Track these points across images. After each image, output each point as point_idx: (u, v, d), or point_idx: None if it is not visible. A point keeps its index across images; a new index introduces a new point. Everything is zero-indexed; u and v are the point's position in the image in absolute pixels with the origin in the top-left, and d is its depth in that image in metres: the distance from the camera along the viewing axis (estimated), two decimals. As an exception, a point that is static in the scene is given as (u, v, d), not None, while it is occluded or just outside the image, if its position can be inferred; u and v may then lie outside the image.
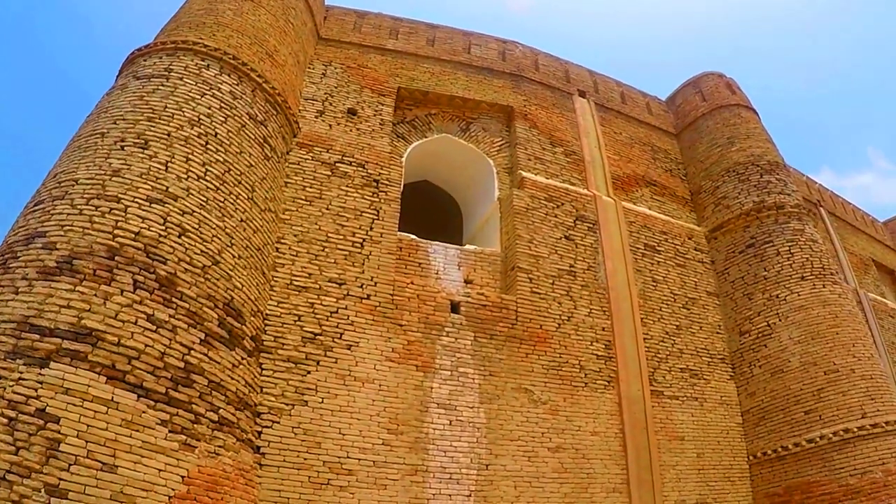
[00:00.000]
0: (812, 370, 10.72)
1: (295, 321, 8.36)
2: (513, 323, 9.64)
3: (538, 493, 8.62)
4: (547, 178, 11.35)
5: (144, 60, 8.90)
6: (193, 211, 7.18)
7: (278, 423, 7.50)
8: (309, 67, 11.28)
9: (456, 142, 11.63)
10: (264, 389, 7.63)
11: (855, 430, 9.97)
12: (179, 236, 6.86)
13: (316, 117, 10.61)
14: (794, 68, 71.01)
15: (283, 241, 8.94)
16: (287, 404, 7.64)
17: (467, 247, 10.34)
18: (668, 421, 10.30)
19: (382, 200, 9.90)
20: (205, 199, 7.41)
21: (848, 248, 16.58)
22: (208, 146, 7.91)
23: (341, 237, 9.26)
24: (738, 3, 67.49)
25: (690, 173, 13.81)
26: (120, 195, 6.73)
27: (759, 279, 11.65)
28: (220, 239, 7.36)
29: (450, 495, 8.05)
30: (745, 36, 71.16)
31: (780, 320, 11.24)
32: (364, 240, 9.39)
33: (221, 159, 7.98)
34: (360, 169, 10.01)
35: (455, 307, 9.44)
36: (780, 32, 70.47)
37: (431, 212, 12.87)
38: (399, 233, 9.90)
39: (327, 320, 8.52)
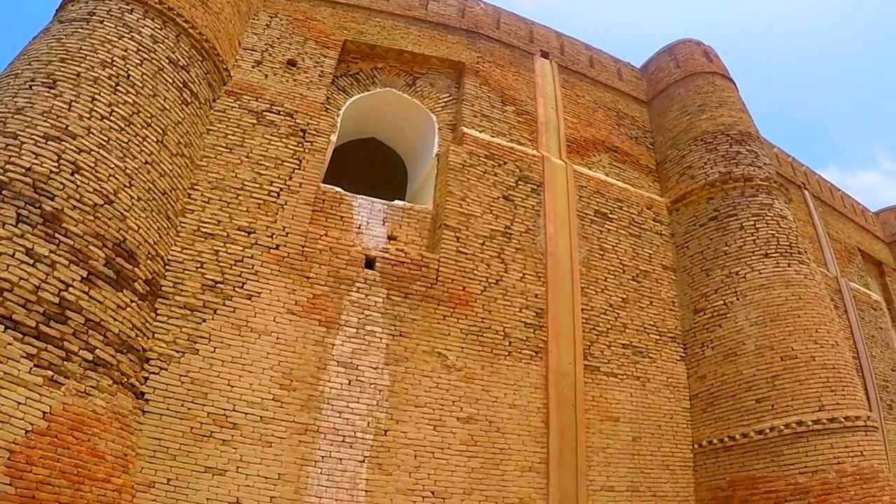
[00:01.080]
0: (768, 355, 9.67)
1: (197, 268, 7.75)
2: (432, 283, 8.78)
3: (441, 466, 7.79)
4: (492, 136, 10.45)
5: (72, 5, 8.59)
6: (91, 150, 6.92)
7: (166, 370, 6.95)
8: (253, 18, 10.58)
9: (400, 97, 10.81)
10: (156, 335, 7.10)
11: (810, 423, 8.96)
12: (72, 174, 6.62)
13: (252, 67, 9.95)
14: (802, 66, 70.84)
15: (196, 187, 8.33)
16: (178, 352, 7.09)
17: (396, 202, 9.49)
18: (601, 399, 9.36)
19: (307, 150, 9.15)
20: (106, 139, 7.12)
21: (832, 235, 15.58)
22: (118, 87, 7.60)
23: (257, 185, 8.59)
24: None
25: (658, 142, 12.77)
26: (18, 132, 6.59)
27: (720, 254, 10.59)
28: (117, 179, 7.02)
29: (340, 459, 7.32)
30: (755, 34, 70.63)
31: (737, 299, 10.17)
32: (281, 189, 8.67)
33: (131, 101, 7.66)
34: (287, 118, 9.28)
35: (370, 263, 8.63)
36: (791, 30, 70.06)
37: (378, 170, 12.07)
38: (323, 185, 9.16)
39: (231, 268, 7.87)
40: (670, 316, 10.65)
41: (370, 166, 12.10)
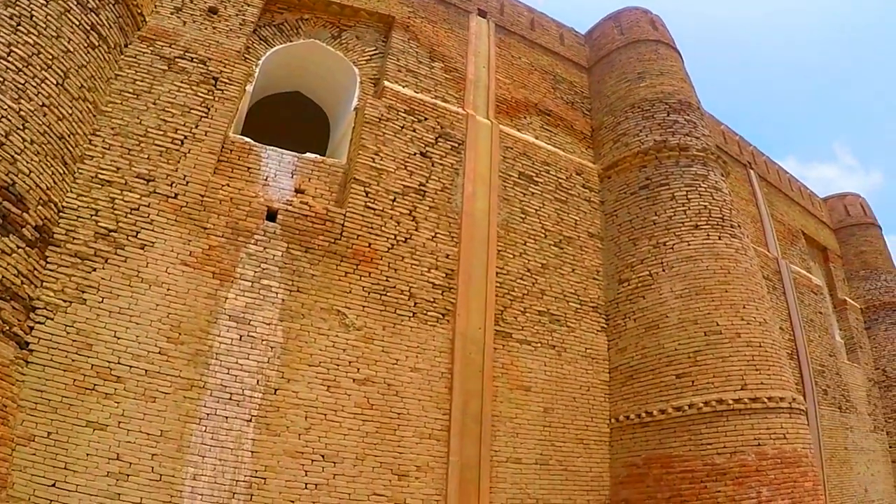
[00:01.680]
0: (690, 329, 9.25)
1: (91, 216, 7.17)
2: (336, 238, 8.22)
3: (333, 428, 7.26)
4: (415, 92, 9.89)
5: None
6: (-18, 90, 6.30)
7: (52, 319, 6.44)
8: None
9: (324, 49, 10.17)
10: (45, 283, 6.59)
11: (730, 402, 8.57)
12: (-42, 113, 5.93)
13: (172, 13, 9.22)
14: (769, 58, 71.90)
15: (98, 133, 7.73)
16: (65, 301, 6.58)
17: (307, 155, 8.89)
18: (512, 367, 8.88)
19: (217, 99, 8.52)
20: (1, 80, 6.60)
21: (776, 216, 15.42)
22: (19, 27, 7.05)
23: (161, 133, 7.99)
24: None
25: (595, 108, 12.30)
26: None
27: (648, 224, 10.14)
28: (9, 121, 6.52)
29: (226, 417, 6.80)
30: (721, 25, 71.00)
31: (663, 270, 9.73)
32: (185, 137, 8.08)
33: (32, 42, 7.11)
34: (200, 65, 8.65)
35: (272, 215, 8.05)
36: (758, 21, 70.91)
37: (303, 125, 11.43)
38: (232, 135, 8.53)
39: (126, 217, 7.29)
40: (593, 285, 10.18)
41: (295, 121, 11.47)
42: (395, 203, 8.82)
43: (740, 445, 8.35)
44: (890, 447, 15.87)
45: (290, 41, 9.98)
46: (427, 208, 9.05)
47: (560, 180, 10.63)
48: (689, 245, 9.75)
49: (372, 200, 8.67)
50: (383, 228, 8.60)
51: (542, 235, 9.96)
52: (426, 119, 9.66)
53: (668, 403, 8.90)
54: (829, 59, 71.03)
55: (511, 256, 9.49)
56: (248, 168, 8.44)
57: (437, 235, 8.98)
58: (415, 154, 9.29)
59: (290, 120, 11.52)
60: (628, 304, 9.86)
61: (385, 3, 10.70)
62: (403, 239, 8.69)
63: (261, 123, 10.91)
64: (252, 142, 8.64)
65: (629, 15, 13.01)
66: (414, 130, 9.45)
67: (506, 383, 8.75)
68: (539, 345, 9.22)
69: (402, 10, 10.78)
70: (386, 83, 9.66)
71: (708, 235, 9.81)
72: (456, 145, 9.73)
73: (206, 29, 9.16)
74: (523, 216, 9.90)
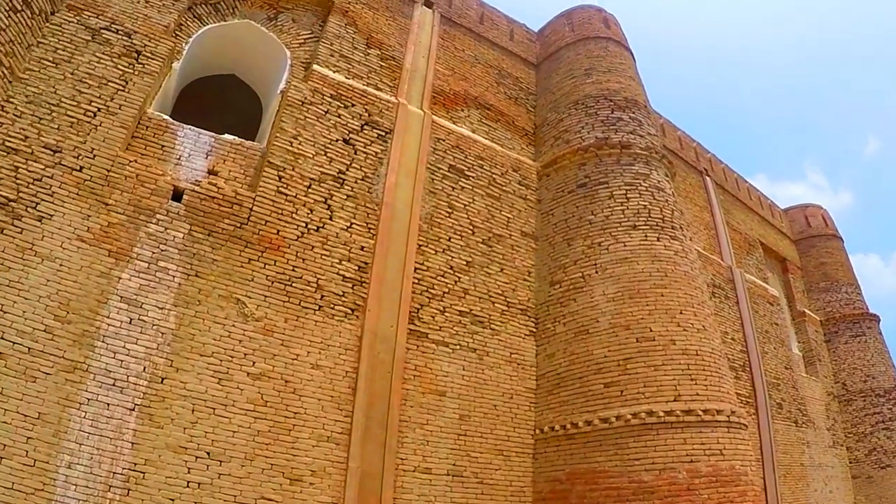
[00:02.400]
0: (622, 335, 8.74)
1: None
2: (243, 222, 7.73)
3: (221, 423, 6.72)
4: (346, 78, 9.46)
5: None
6: None
7: None
8: None
9: (258, 30, 9.77)
10: None
11: (661, 414, 8.03)
12: None
13: None
14: (741, 77, 73.80)
15: (11, 100, 7.28)
16: None
17: (225, 136, 8.43)
18: (426, 370, 8.34)
19: (136, 72, 8.07)
20: None
21: (732, 225, 15.20)
22: None
23: (75, 104, 7.55)
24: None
25: (540, 105, 11.93)
26: None
27: (584, 223, 9.66)
28: None
29: (108, 404, 6.27)
30: (698, 43, 73.08)
31: (596, 272, 9.23)
32: (99, 109, 7.64)
33: None
34: (124, 38, 8.22)
35: (178, 195, 7.59)
36: (733, 41, 72.85)
37: (238, 109, 10.94)
38: (150, 111, 8.09)
39: (27, 187, 6.82)
40: (524, 286, 9.68)
41: (232, 105, 10.99)
42: (309, 189, 8.33)
43: (671, 462, 7.79)
44: (850, 463, 15.49)
45: (225, 20, 9.54)
46: (344, 197, 8.55)
47: (494, 176, 10.17)
48: (625, 246, 9.27)
49: (285, 185, 8.18)
50: (294, 215, 8.09)
51: (470, 232, 9.47)
52: (353, 105, 9.21)
53: (594, 414, 8.36)
54: (802, 78, 73.22)
55: (433, 252, 8.99)
56: (163, 146, 7.99)
57: (353, 226, 8.47)
58: (337, 140, 8.82)
59: (227, 103, 11.05)
60: (559, 307, 9.34)
61: None
62: (315, 227, 8.18)
63: (198, 105, 10.50)
64: (169, 119, 8.21)
65: (582, 12, 12.67)
66: (339, 116, 9.00)
67: (418, 386, 8.20)
68: (458, 347, 8.68)
69: None
70: (315, 67, 9.24)
71: (646, 236, 9.33)
72: (383, 134, 9.26)
73: (138, 3, 8.72)
74: (450, 210, 9.41)
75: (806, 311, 17.41)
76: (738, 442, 8.27)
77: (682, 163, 15.22)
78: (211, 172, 8.07)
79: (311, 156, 8.52)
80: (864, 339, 17.40)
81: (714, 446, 7.91)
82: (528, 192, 10.51)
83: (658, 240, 9.34)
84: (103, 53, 7.92)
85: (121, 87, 7.80)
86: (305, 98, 8.84)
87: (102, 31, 8.09)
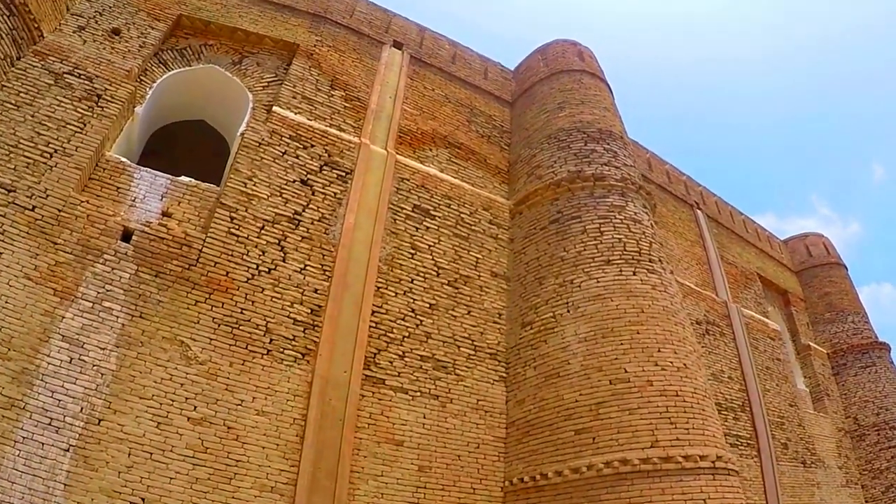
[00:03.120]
0: (594, 377, 8.42)
1: None
2: (192, 263, 7.87)
3: (159, 469, 6.65)
4: (308, 119, 9.73)
5: None
6: None
7: None
8: None
9: (222, 74, 10.16)
10: None
11: (636, 462, 7.58)
12: None
13: (74, 31, 9.45)
14: (740, 113, 75.73)
15: None
16: None
17: (181, 178, 8.69)
18: (382, 417, 8.16)
19: (95, 115, 8.50)
20: None
21: (728, 258, 15.03)
22: None
23: (32, 145, 7.94)
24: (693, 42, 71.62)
25: (514, 142, 11.99)
26: None
27: (556, 260, 9.50)
28: None
29: (43, 444, 6.27)
30: (697, 76, 75.44)
31: (568, 311, 9.01)
32: (56, 151, 8.01)
33: None
34: (86, 82, 8.71)
35: (128, 236, 7.80)
36: (733, 75, 74.59)
37: (207, 153, 11.34)
38: (109, 154, 8.49)
39: None
40: (493, 329, 9.50)
41: (201, 150, 11.41)
42: (262, 231, 8.46)
43: (648, 516, 7.31)
44: (866, 502, 14.57)
45: (190, 66, 10.02)
46: (299, 238, 8.65)
47: (462, 215, 10.16)
48: (597, 282, 9.05)
49: (237, 227, 8.32)
50: (245, 257, 8.20)
51: (434, 273, 9.41)
52: (313, 146, 9.42)
53: (564, 464, 7.94)
54: (802, 111, 75.03)
55: (393, 295, 8.94)
56: (118, 188, 8.27)
57: (307, 267, 8.53)
58: (294, 181, 9.00)
59: (198, 149, 11.50)
60: (530, 350, 9.11)
61: (292, 32, 10.78)
62: (267, 269, 8.26)
63: (171, 150, 10.98)
64: (127, 162, 8.51)
65: (555, 47, 12.85)
66: (297, 157, 9.20)
67: (372, 435, 8.01)
68: (419, 394, 8.49)
69: (309, 38, 10.81)
70: (275, 108, 9.50)
71: (620, 271, 9.11)
72: (343, 174, 9.42)
73: (103, 49, 9.28)
74: (413, 251, 9.39)
75: (811, 344, 16.97)
76: (727, 490, 7.71)
77: (670, 197, 15.15)
78: (165, 214, 8.29)
79: (265, 197, 8.69)
80: (875, 370, 16.77)
81: (697, 496, 7.43)
82: (500, 232, 10.44)
83: (634, 274, 9.11)
84: (64, 97, 8.33)
85: (78, 130, 8.15)
86: (263, 139, 9.07)
87: (66, 75, 8.55)
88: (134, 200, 8.27)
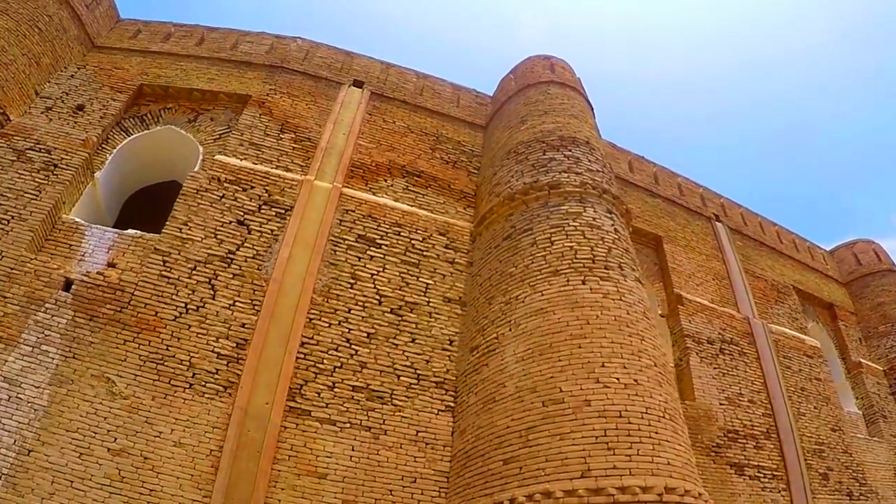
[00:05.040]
0: (527, 399, 8.33)
1: None
2: (123, 306, 9.22)
3: (78, 497, 7.73)
4: (254, 164, 11.04)
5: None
6: None
7: None
8: (62, 70, 12.74)
9: (178, 133, 11.91)
10: None
11: (560, 494, 7.23)
12: None
13: (42, 112, 11.78)
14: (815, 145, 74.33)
15: None
16: None
17: (128, 231, 10.27)
18: (305, 450, 8.71)
19: (50, 182, 10.44)
20: None
21: (755, 272, 14.82)
22: None
23: None
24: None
25: (483, 165, 12.44)
26: None
27: (505, 278, 9.70)
28: None
29: None
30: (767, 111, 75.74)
31: (510, 330, 9.14)
32: (13, 217, 9.93)
33: None
34: (45, 154, 10.76)
35: (68, 285, 9.40)
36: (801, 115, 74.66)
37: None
38: (66, 216, 10.35)
39: None
40: (441, 357, 9.76)
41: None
42: (194, 271, 9.65)
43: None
44: None
45: (149, 129, 11.93)
46: (230, 276, 9.72)
47: (413, 242, 10.72)
48: (542, 295, 9.09)
49: (168, 269, 9.58)
50: (174, 297, 9.38)
51: (376, 302, 9.97)
52: (253, 188, 10.65)
53: (490, 498, 7.79)
54: (875, 128, 72.58)
55: (326, 325, 9.61)
56: (70, 245, 9.90)
57: (236, 303, 9.52)
58: (230, 222, 10.20)
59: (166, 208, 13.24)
60: (474, 374, 9.24)
61: (246, 85, 12.42)
62: (195, 307, 9.37)
63: (150, 212, 12.75)
64: (81, 222, 10.19)
65: (526, 63, 13.47)
66: (235, 199, 10.44)
67: (292, 468, 8.54)
68: (347, 425, 8.93)
69: (263, 88, 12.36)
70: (217, 156, 10.92)
71: (568, 281, 9.09)
72: (282, 211, 10.49)
73: (66, 124, 11.33)
74: (353, 281, 10.07)
75: (862, 361, 16.02)
76: None
77: (681, 210, 15.23)
78: (110, 265, 9.75)
79: (199, 239, 9.90)
80: (940, 387, 14.78)
81: None
82: (457, 256, 10.85)
83: (583, 283, 9.03)
84: (24, 170, 10.20)
85: (34, 197, 9.91)
86: (201, 186, 10.41)
87: (27, 150, 10.49)
88: (83, 255, 9.82)
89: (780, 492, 10.90)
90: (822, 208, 74.86)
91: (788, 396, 12.42)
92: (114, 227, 11.08)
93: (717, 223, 15.50)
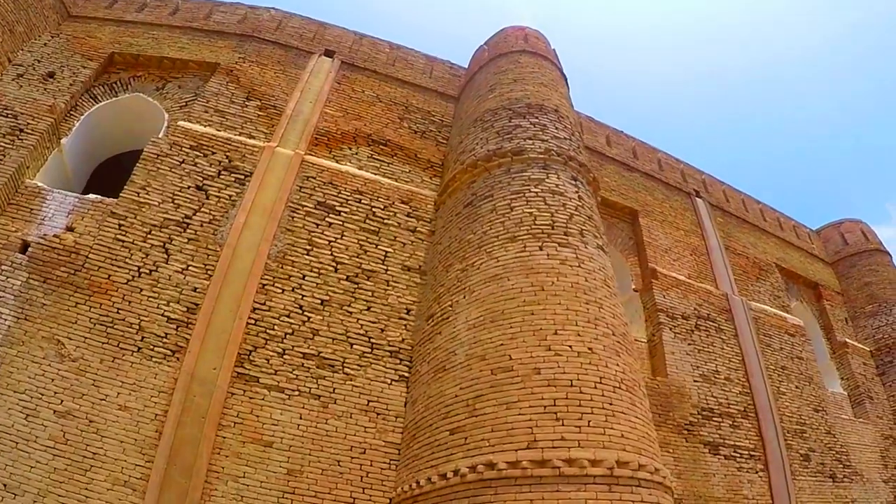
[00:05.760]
0: (475, 367, 8.30)
1: None
2: (77, 269, 9.43)
3: (22, 458, 7.93)
4: (217, 130, 11.25)
5: None
6: None
7: None
8: (36, 38, 13.03)
9: (144, 101, 12.15)
10: None
11: (503, 466, 7.16)
12: None
13: (13, 80, 12.06)
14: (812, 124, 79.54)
15: None
16: None
17: (89, 196, 10.50)
18: (251, 417, 8.85)
19: (15, 147, 10.73)
20: None
21: (736, 249, 15.21)
22: None
23: None
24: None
25: (452, 135, 12.61)
26: None
27: (463, 245, 9.77)
28: None
29: None
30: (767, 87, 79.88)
31: (464, 297, 9.19)
32: None
33: None
34: (11, 120, 11.01)
35: (25, 248, 9.64)
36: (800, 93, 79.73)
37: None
38: (28, 181, 10.60)
39: None
40: (396, 325, 9.85)
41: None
42: (149, 235, 9.81)
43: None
44: None
45: (117, 96, 12.16)
46: (185, 241, 9.88)
47: (374, 210, 10.84)
48: (497, 262, 9.12)
49: (124, 233, 9.77)
50: (127, 260, 9.56)
51: (332, 269, 10.09)
52: (214, 153, 10.81)
53: (435, 469, 7.78)
54: (871, 120, 77.94)
55: (279, 291, 9.74)
56: (31, 209, 10.14)
57: (190, 268, 9.68)
58: (189, 187, 10.37)
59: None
60: (427, 344, 9.31)
61: (216, 53, 12.65)
62: (148, 271, 9.54)
63: (116, 181, 12.98)
64: (43, 186, 10.43)
65: (500, 33, 13.82)
66: (195, 165, 10.61)
67: (238, 435, 8.66)
68: (295, 393, 9.05)
69: (232, 56, 12.59)
70: (179, 122, 11.13)
71: (525, 247, 9.10)
72: (242, 177, 10.64)
73: (35, 90, 11.60)
74: (309, 248, 10.19)
75: (848, 340, 16.25)
76: None
77: (660, 185, 15.53)
78: (69, 229, 10.01)
79: (156, 204, 10.08)
80: (929, 367, 15.01)
81: None
82: (419, 225, 10.97)
83: (540, 249, 9.03)
84: (-10, 136, 10.58)
85: (-1, 162, 10.35)
86: (161, 152, 10.60)
87: (-5, 117, 10.81)
88: (43, 219, 10.06)
89: (757, 472, 10.92)
90: (817, 196, 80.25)
91: (768, 375, 12.52)
92: (82, 193, 11.30)
93: (697, 199, 15.76)
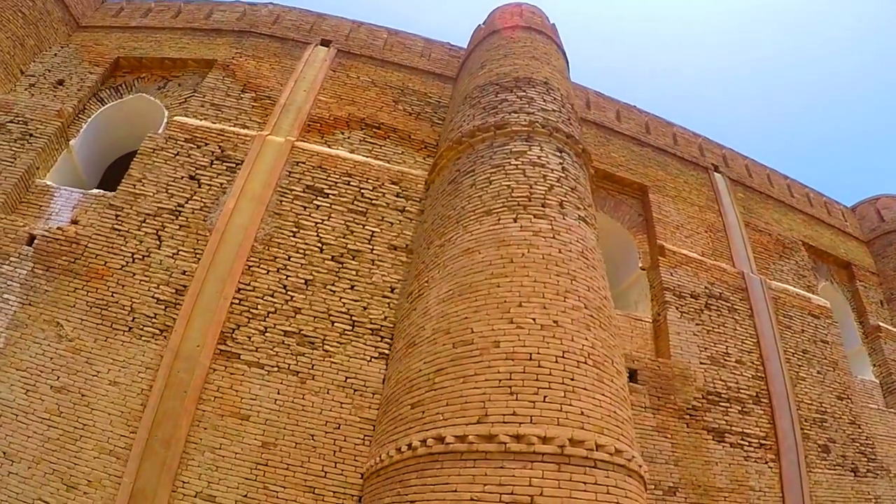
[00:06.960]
0: (440, 341, 8.62)
1: None
2: (77, 257, 10.60)
3: (21, 429, 9.14)
4: (212, 123, 12.30)
5: None
6: None
7: None
8: (46, 49, 14.61)
9: (147, 100, 13.40)
10: None
11: (451, 440, 7.31)
12: None
13: (26, 89, 13.72)
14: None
15: None
16: None
17: (93, 191, 11.74)
18: (230, 391, 9.66)
19: (25, 150, 12.17)
20: None
21: (757, 226, 15.09)
22: None
23: None
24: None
25: (447, 115, 12.99)
26: None
27: (444, 220, 10.26)
28: None
29: None
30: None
31: (438, 272, 9.66)
32: None
33: None
34: (22, 126, 12.54)
35: (31, 240, 10.90)
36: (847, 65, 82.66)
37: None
38: (40, 180, 11.96)
39: None
40: (379, 304, 10.41)
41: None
42: (143, 224, 10.87)
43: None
44: None
45: (122, 98, 13.41)
46: (177, 227, 10.86)
47: (364, 191, 11.48)
48: (472, 235, 9.52)
49: (120, 223, 10.87)
50: (123, 248, 10.64)
51: (317, 249, 10.78)
52: (207, 144, 11.81)
53: (394, 444, 8.11)
54: None
55: (264, 272, 10.51)
56: (40, 206, 11.57)
57: (180, 252, 10.63)
58: (182, 177, 11.39)
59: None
60: (405, 320, 9.82)
61: (214, 51, 13.88)
62: (141, 257, 10.56)
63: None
64: (51, 184, 11.84)
65: (496, 11, 14.60)
66: (188, 156, 11.65)
67: (216, 408, 9.45)
68: (275, 369, 9.75)
69: (229, 52, 13.78)
70: (175, 117, 12.23)
71: (499, 219, 9.45)
72: (233, 165, 11.56)
73: (45, 97, 13.08)
74: (295, 230, 10.94)
75: (881, 324, 15.63)
76: (580, 490, 6.85)
77: (674, 159, 15.61)
78: (73, 222, 11.26)
79: (151, 194, 11.16)
80: (971, 355, 14.04)
81: (522, 490, 6.73)
82: (408, 204, 11.57)
83: (514, 221, 9.35)
84: (3, 141, 11.96)
85: (10, 164, 11.65)
86: (158, 145, 11.73)
87: (7, 123, 12.27)
88: (50, 214, 11.47)
89: (766, 462, 10.68)
90: (858, 174, 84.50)
91: (786, 359, 12.27)
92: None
93: (715, 174, 15.81)
